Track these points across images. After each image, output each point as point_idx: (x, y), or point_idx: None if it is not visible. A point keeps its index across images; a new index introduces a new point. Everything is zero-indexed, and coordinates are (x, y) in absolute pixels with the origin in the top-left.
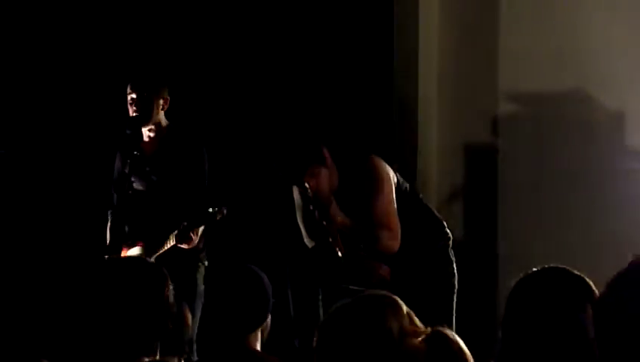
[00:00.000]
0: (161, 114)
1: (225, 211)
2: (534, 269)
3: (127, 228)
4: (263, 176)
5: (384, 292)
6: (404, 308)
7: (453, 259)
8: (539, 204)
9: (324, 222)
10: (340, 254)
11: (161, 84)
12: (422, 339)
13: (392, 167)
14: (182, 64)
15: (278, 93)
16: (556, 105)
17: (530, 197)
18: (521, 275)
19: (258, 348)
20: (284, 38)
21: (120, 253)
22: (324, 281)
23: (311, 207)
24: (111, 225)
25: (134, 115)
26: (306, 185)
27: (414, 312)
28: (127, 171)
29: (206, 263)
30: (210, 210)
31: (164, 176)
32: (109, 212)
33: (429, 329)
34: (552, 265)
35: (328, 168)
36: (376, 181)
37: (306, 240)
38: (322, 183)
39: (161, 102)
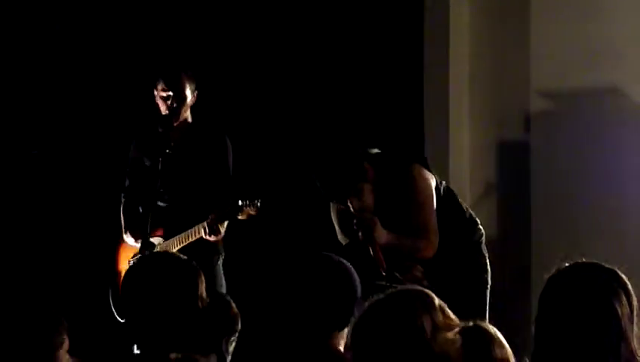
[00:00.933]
0: (189, 108)
1: (259, 204)
2: (566, 264)
3: (150, 220)
4: (299, 182)
5: (416, 287)
6: (437, 301)
7: (487, 255)
8: (573, 204)
9: (368, 244)
10: (383, 273)
11: (193, 80)
12: (456, 332)
13: (430, 171)
14: (217, 62)
15: (307, 93)
16: (591, 101)
17: (564, 196)
18: (554, 271)
19: (342, 348)
20: (316, 39)
21: (147, 238)
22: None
23: (354, 227)
24: (140, 213)
25: (167, 112)
26: (349, 204)
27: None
28: (160, 169)
29: (223, 255)
30: (240, 202)
31: (188, 168)
32: (122, 195)
33: (463, 322)
34: (583, 260)
35: (370, 184)
36: (419, 194)
37: (340, 236)
38: (366, 201)
39: (193, 99)
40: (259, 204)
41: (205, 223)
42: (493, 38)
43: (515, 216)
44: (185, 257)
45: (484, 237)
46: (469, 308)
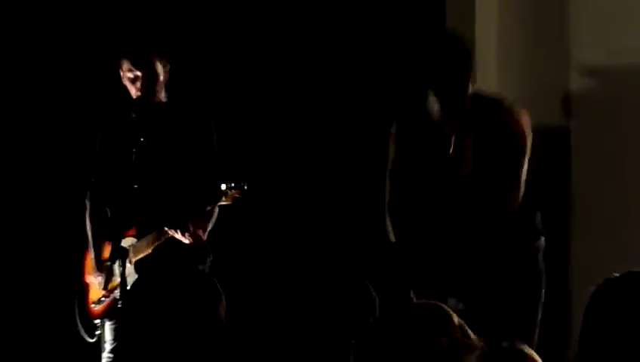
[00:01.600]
0: (163, 88)
1: (245, 187)
2: (615, 275)
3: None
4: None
5: (433, 302)
6: (456, 319)
7: (543, 265)
8: (621, 200)
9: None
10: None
11: (163, 55)
12: (478, 356)
13: None
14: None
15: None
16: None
17: (610, 191)
18: (600, 282)
19: None
20: (338, 34)
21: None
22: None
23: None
24: (109, 216)
25: (139, 95)
26: None
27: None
28: (133, 160)
29: (211, 255)
30: (224, 186)
31: (167, 158)
32: (87, 194)
33: (484, 343)
34: (634, 269)
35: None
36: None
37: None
38: None
39: (165, 76)
40: (245, 187)
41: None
42: (523, 6)
43: (554, 214)
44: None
45: (542, 240)
46: (516, 325)
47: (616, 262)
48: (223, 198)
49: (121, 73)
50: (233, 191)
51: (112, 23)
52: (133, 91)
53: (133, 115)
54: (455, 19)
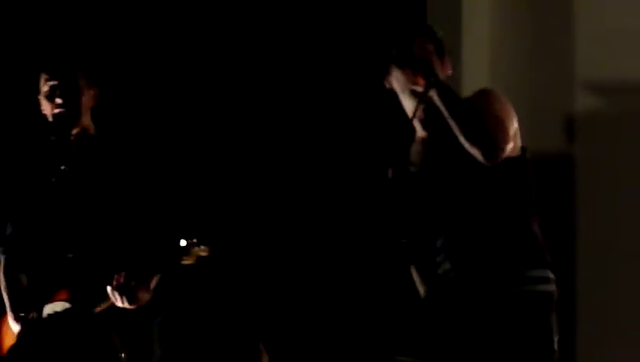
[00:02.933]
0: (89, 112)
1: (208, 251)
2: None
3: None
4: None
5: None
6: None
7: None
8: (630, 229)
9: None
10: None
11: (87, 68)
12: None
13: None
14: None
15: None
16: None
17: (618, 219)
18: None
19: None
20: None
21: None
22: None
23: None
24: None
25: (58, 112)
26: None
27: None
28: (52, 192)
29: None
30: (184, 242)
31: (96, 193)
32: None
33: None
34: None
35: None
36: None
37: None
38: None
39: (92, 93)
40: (208, 251)
41: (110, 288)
42: (524, 17)
43: (557, 244)
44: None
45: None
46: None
47: (627, 293)
48: (184, 258)
49: (40, 95)
50: (197, 248)
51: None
52: (49, 109)
53: (52, 138)
54: (447, 34)
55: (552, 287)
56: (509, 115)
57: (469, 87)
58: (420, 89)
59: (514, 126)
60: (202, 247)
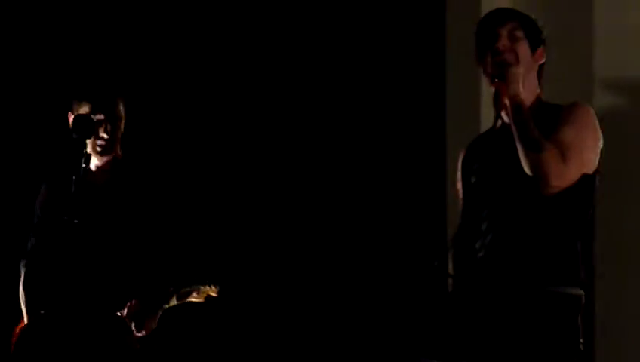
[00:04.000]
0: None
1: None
2: None
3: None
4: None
5: None
6: None
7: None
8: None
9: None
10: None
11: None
12: None
13: None
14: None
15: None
16: None
17: (630, 207)
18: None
19: None
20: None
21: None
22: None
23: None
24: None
25: (101, 145)
26: None
27: None
28: (75, 221)
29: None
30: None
31: (123, 222)
32: (22, 263)
33: None
34: None
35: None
36: (580, 116)
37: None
38: None
39: (124, 120)
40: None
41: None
42: (543, 14)
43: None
44: None
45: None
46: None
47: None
48: (194, 295)
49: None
50: (208, 288)
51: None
52: (93, 141)
53: (83, 165)
54: (466, 34)
55: (580, 291)
56: (584, 140)
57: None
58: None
59: (587, 152)
60: (212, 288)
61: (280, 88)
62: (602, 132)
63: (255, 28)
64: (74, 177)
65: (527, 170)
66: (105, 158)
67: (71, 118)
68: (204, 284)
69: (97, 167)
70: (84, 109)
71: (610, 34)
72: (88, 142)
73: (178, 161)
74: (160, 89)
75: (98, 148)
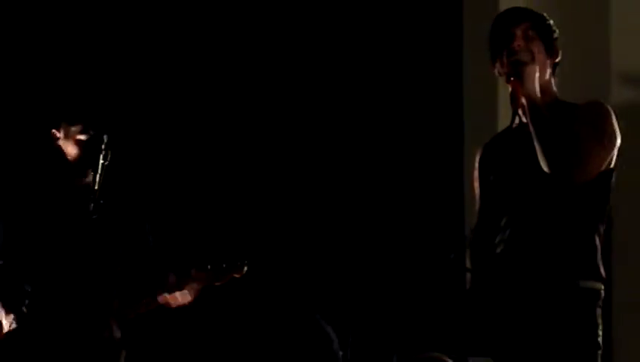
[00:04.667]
0: None
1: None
2: None
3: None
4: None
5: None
6: None
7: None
8: None
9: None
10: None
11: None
12: None
13: None
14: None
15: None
16: None
17: None
18: None
19: None
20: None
21: None
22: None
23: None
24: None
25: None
26: None
27: None
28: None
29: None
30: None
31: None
32: None
33: None
34: None
35: None
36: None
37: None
38: None
39: None
40: (245, 266)
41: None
42: (560, 11)
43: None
44: None
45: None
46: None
47: None
48: (220, 278)
49: (61, 135)
50: (232, 269)
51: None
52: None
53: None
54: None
55: (600, 285)
56: (601, 137)
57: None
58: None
59: (604, 149)
60: (236, 269)
61: (301, 87)
62: (620, 127)
63: (264, 27)
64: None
65: (544, 167)
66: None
67: (75, 137)
68: (229, 267)
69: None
70: (77, 128)
71: (625, 28)
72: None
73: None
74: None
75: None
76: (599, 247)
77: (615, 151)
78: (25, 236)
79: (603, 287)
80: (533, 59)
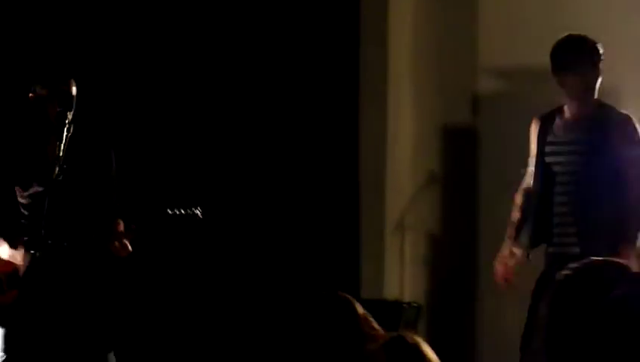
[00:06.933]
0: None
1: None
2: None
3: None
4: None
5: (342, 293)
6: (360, 309)
7: None
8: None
9: None
10: None
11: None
12: (380, 344)
13: None
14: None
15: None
16: (544, 81)
17: (515, 185)
18: (567, 273)
19: None
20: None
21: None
22: None
23: None
24: None
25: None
26: None
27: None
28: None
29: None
30: (170, 211)
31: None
32: None
33: (389, 333)
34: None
35: None
36: None
37: None
38: None
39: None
40: (199, 212)
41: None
42: (438, 12)
43: (461, 208)
44: None
45: None
46: None
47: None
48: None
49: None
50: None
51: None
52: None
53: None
54: (370, 26)
55: None
56: None
57: (394, 70)
58: None
59: None
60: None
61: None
62: (485, 117)
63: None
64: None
65: None
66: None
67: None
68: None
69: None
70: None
71: (491, 28)
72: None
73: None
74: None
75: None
76: None
77: None
78: None
79: None
80: None
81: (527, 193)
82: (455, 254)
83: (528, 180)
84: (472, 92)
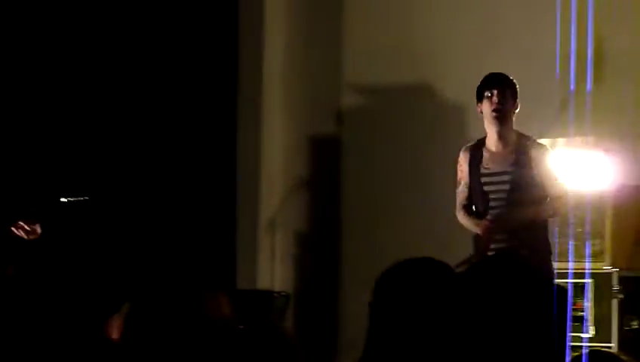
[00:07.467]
0: None
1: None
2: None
3: None
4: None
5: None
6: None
7: None
8: (385, 201)
9: None
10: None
11: None
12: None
13: None
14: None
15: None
16: (404, 97)
17: (376, 193)
18: (390, 266)
19: None
20: (124, 38)
21: None
22: None
23: None
24: None
25: None
26: None
27: None
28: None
29: None
30: (65, 199)
31: None
32: None
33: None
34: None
35: None
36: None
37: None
38: None
39: None
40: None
41: None
42: (308, 32)
43: (326, 209)
44: None
45: None
46: None
47: (381, 258)
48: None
49: None
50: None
51: None
52: None
53: None
54: (246, 43)
55: None
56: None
57: (268, 87)
58: None
59: None
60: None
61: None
62: (348, 129)
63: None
64: None
65: None
66: None
67: None
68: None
69: None
70: None
71: (354, 50)
72: None
73: None
74: None
75: None
76: None
77: None
78: None
79: None
80: None
81: (465, 209)
82: (320, 249)
83: (461, 200)
84: (337, 106)
